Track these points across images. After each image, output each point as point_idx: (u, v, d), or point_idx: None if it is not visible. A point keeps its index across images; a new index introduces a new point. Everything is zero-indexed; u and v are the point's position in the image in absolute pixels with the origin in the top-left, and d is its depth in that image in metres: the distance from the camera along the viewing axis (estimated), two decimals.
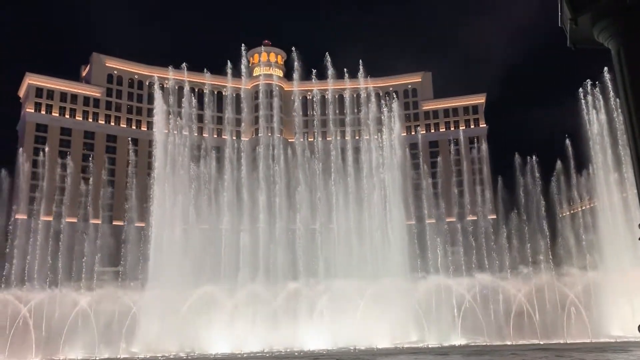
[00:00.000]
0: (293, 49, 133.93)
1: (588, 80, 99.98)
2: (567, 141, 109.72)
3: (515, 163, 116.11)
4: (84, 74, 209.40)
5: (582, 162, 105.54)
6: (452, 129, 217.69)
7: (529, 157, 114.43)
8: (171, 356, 77.83)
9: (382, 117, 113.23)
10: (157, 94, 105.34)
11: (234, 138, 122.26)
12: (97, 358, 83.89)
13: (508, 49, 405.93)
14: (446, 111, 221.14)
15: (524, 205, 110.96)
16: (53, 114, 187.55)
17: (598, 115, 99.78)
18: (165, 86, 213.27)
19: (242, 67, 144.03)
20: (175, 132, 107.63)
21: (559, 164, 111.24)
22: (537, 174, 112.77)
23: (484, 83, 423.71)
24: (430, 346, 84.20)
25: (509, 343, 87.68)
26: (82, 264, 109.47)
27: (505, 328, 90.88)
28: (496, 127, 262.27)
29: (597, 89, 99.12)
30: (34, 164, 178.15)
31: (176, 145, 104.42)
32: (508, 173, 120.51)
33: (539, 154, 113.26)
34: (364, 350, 78.19)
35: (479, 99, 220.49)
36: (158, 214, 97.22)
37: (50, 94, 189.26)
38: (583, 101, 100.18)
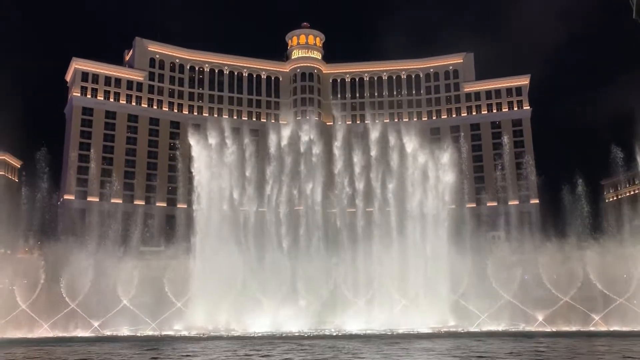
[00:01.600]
0: (331, 30, 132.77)
1: None
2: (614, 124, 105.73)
3: (559, 148, 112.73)
4: (127, 58, 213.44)
5: (631, 145, 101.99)
6: (495, 111, 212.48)
7: (573, 140, 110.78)
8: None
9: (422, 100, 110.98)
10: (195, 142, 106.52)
11: (273, 121, 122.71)
12: (141, 334, 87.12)
13: (555, 31, 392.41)
14: (488, 93, 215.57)
15: (568, 191, 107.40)
16: (98, 97, 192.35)
17: None
18: (204, 70, 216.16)
19: (286, 51, 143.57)
20: (215, 115, 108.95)
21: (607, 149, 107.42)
22: (581, 156, 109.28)
23: (530, 65, 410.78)
24: (469, 331, 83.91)
25: (548, 329, 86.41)
26: (126, 244, 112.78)
27: (544, 314, 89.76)
28: (541, 110, 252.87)
29: None
30: (80, 146, 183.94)
31: (215, 130, 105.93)
32: (552, 157, 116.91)
33: (584, 137, 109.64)
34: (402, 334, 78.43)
35: (523, 81, 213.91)
36: (201, 196, 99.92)
37: (95, 78, 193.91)
38: None
